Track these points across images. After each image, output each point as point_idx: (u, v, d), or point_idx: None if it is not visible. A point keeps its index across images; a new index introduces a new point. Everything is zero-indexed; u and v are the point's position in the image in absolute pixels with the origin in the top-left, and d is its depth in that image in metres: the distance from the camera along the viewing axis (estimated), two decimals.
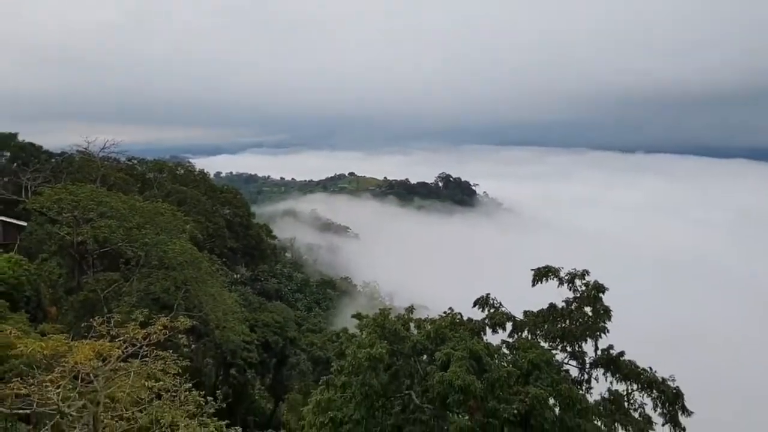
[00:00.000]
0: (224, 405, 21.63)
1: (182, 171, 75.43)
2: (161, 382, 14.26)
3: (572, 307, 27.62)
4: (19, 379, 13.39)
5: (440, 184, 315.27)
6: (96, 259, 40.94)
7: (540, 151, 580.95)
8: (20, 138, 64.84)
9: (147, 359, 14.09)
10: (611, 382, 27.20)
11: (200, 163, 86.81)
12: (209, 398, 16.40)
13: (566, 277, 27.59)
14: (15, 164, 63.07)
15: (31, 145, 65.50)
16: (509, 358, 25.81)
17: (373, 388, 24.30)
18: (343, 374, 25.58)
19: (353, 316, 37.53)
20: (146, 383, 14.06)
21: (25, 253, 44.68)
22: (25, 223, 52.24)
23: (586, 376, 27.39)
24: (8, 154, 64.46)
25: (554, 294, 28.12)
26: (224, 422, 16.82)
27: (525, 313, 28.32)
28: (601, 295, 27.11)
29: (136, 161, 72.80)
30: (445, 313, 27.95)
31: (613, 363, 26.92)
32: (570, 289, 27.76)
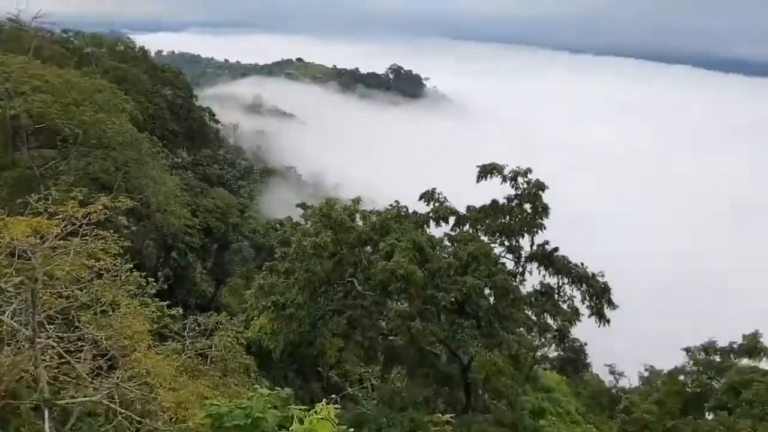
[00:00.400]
0: (165, 287, 21.67)
1: (122, 47, 71.60)
2: (102, 262, 14.06)
3: (513, 203, 28.35)
4: None
5: (391, 76, 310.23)
6: (30, 135, 39.20)
7: (498, 48, 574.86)
8: None
9: (87, 238, 13.82)
10: (544, 276, 28.50)
11: (141, 40, 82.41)
12: (150, 279, 16.33)
13: (509, 175, 28.14)
14: None
15: None
16: (450, 250, 26.62)
17: (316, 274, 24.82)
18: (287, 261, 25.96)
19: (298, 206, 37.75)
20: (86, 262, 13.84)
21: None
22: None
23: (521, 269, 28.59)
24: None
25: (495, 189, 28.75)
26: (165, 303, 16.89)
27: (468, 208, 28.95)
28: (540, 192, 27.83)
29: (72, 34, 68.68)
30: (390, 205, 28.29)
31: (547, 258, 28.09)
32: (512, 187, 28.38)
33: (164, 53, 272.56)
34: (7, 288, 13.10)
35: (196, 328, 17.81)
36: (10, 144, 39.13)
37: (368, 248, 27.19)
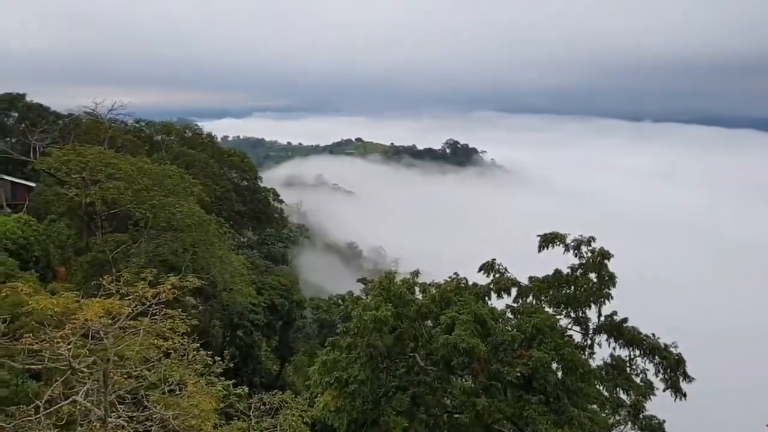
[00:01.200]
0: (231, 365, 21.98)
1: (190, 134, 75.11)
2: (170, 342, 14.44)
3: (577, 273, 27.74)
4: (30, 335, 13.61)
5: (447, 150, 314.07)
6: (104, 220, 41.17)
7: (549, 119, 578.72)
8: (28, 98, 64.74)
9: (156, 318, 14.28)
10: (614, 348, 27.45)
11: (206, 127, 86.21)
12: (217, 358, 16.59)
13: (572, 244, 27.67)
14: (23, 125, 63.04)
15: (39, 105, 65.44)
16: (513, 322, 26.06)
17: (378, 349, 24.62)
18: (348, 336, 25.91)
19: (359, 281, 37.97)
20: (155, 342, 14.24)
21: (34, 213, 45.01)
22: (33, 184, 52.53)
23: (589, 342, 27.64)
24: (16, 114, 64.46)
25: (556, 258, 28.26)
26: (231, 382, 17.08)
27: (530, 278, 28.46)
28: (606, 261, 27.20)
29: (143, 123, 72.57)
30: (450, 277, 28.09)
31: (617, 329, 27.12)
32: (576, 256, 27.86)
33: (230, 138, 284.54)
34: (81, 368, 13.58)
35: (262, 407, 17.88)
36: (85, 229, 41.18)
37: (429, 322, 26.94)
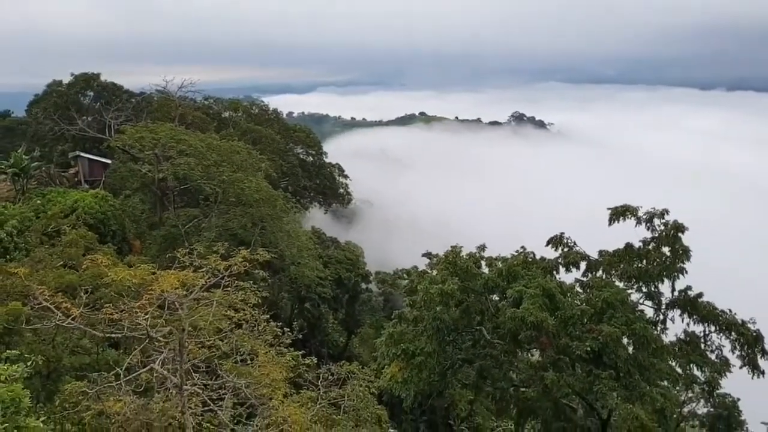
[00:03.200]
0: (299, 337, 22.40)
1: (256, 110, 76.16)
2: (241, 313, 14.77)
3: (650, 246, 26.98)
4: (110, 305, 14.16)
5: (513, 123, 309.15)
6: (176, 195, 42.41)
7: (615, 89, 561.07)
8: (102, 78, 66.80)
9: (228, 290, 14.62)
10: (688, 324, 26.65)
11: (271, 103, 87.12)
12: (286, 329, 16.88)
13: (645, 217, 26.89)
14: (98, 103, 65.23)
15: (113, 84, 67.36)
16: (583, 296, 25.61)
17: (444, 322, 24.67)
18: (415, 309, 26.03)
19: (424, 255, 37.88)
20: (227, 313, 14.59)
21: (110, 189, 46.67)
22: (109, 161, 54.45)
23: (661, 317, 26.93)
24: (92, 93, 66.61)
25: (627, 231, 27.51)
26: (300, 352, 17.39)
27: (600, 252, 27.86)
28: (680, 234, 26.35)
29: (212, 101, 73.95)
30: (516, 251, 27.76)
31: (691, 304, 26.32)
32: (648, 229, 27.08)
33: (295, 114, 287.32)
34: (158, 338, 14.07)
35: (330, 377, 18.16)
36: (158, 204, 42.53)
37: (495, 296, 26.77)
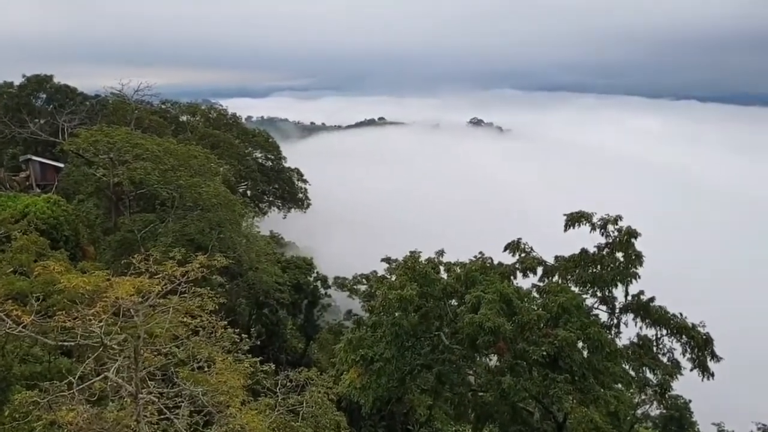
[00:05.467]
0: (258, 343, 22.18)
1: (215, 114, 75.52)
2: (198, 319, 14.61)
3: (604, 252, 27.55)
4: (63, 312, 13.85)
5: (470, 127, 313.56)
6: (132, 200, 41.67)
7: (567, 96, 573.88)
8: (56, 80, 65.35)
9: (185, 296, 14.45)
10: (641, 327, 27.29)
11: (229, 106, 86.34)
12: (244, 336, 16.75)
13: (599, 223, 27.45)
14: (51, 106, 63.79)
15: (66, 87, 65.96)
16: (539, 301, 25.98)
17: (403, 328, 24.74)
18: (373, 314, 26.05)
19: (382, 260, 37.96)
20: (184, 320, 14.42)
21: (63, 193, 45.65)
22: (62, 165, 53.25)
23: (615, 321, 27.52)
24: (44, 96, 65.13)
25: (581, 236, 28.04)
26: (258, 359, 17.26)
27: (556, 258, 28.35)
28: (633, 240, 26.96)
29: (169, 104, 73.04)
30: (475, 257, 28.06)
31: (643, 308, 26.95)
32: (602, 235, 27.64)
33: (253, 118, 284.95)
34: (112, 345, 13.82)
35: (288, 384, 18.07)
36: (113, 209, 41.71)
37: (454, 301, 26.97)
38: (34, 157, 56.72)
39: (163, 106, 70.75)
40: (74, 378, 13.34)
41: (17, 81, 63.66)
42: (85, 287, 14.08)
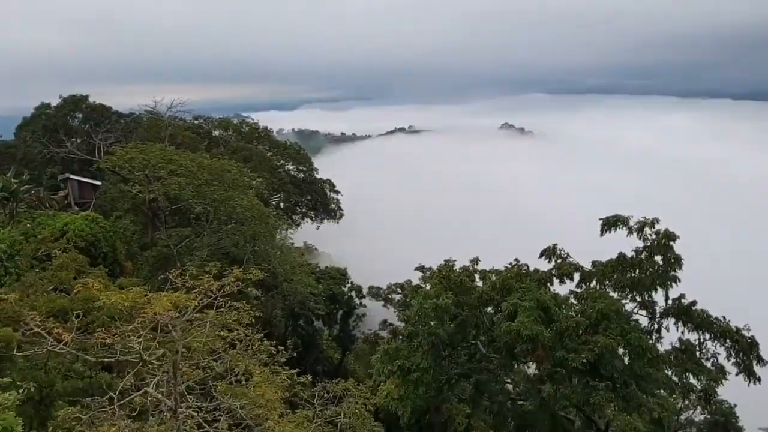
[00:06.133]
0: (294, 354, 22.19)
1: (246, 128, 76.28)
2: (235, 333, 14.68)
3: (642, 256, 27.03)
4: (102, 329, 14.04)
5: (502, 132, 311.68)
6: (167, 215, 42.28)
7: (598, 98, 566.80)
8: (91, 100, 66.77)
9: (221, 310, 14.54)
10: (683, 332, 26.66)
11: (260, 119, 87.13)
12: (280, 348, 16.76)
13: (636, 226, 26.95)
14: (87, 125, 65.17)
15: (102, 106, 67.37)
16: (577, 308, 25.57)
17: (439, 337, 24.55)
18: (409, 324, 25.92)
19: (417, 269, 37.87)
20: (221, 333, 14.50)
21: (100, 211, 46.50)
22: (99, 183, 54.27)
23: (656, 326, 26.95)
24: (80, 115, 66.57)
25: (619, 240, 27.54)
26: (295, 371, 17.25)
27: (593, 263, 27.90)
28: (671, 243, 26.42)
29: (202, 120, 74.03)
30: (510, 264, 27.75)
31: (685, 312, 26.35)
32: (639, 238, 27.15)
33: (284, 131, 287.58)
34: (151, 360, 13.96)
35: (325, 395, 18.02)
36: (149, 225, 42.37)
37: (490, 309, 26.71)
38: (72, 176, 57.93)
39: (196, 122, 71.71)
40: (115, 393, 13.49)
41: (54, 102, 65.22)
42: (123, 303, 14.25)
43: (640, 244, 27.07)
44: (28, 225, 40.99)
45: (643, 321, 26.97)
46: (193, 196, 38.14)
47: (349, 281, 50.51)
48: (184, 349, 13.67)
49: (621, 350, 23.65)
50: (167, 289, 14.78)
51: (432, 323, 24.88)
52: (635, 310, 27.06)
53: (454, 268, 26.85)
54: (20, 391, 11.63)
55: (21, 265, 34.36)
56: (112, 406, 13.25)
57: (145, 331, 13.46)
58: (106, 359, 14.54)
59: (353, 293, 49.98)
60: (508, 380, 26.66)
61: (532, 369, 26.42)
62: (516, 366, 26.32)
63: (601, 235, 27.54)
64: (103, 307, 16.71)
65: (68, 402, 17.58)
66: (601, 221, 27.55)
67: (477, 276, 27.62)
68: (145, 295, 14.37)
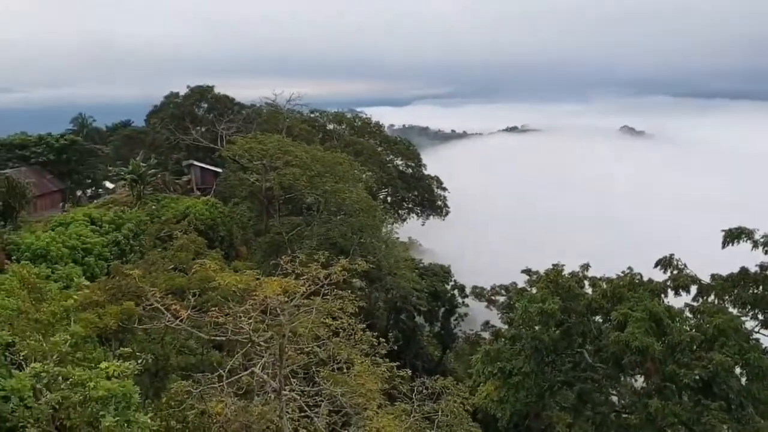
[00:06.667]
0: (394, 348, 22.42)
1: (359, 123, 77.49)
2: (339, 321, 14.97)
3: (767, 272, 25.34)
4: (216, 309, 14.73)
5: (622, 134, 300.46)
6: (281, 204, 43.79)
7: (727, 102, 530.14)
8: (216, 91, 70.00)
9: (327, 298, 14.88)
10: None
11: (372, 114, 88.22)
12: (381, 340, 16.93)
13: (762, 240, 25.32)
14: (211, 115, 68.41)
15: (226, 97, 70.47)
16: (692, 322, 24.34)
17: (543, 343, 24.06)
18: (512, 327, 25.55)
19: (523, 271, 37.13)
20: (326, 321, 14.83)
21: (219, 197, 48.85)
22: (220, 170, 56.95)
23: None
24: (205, 105, 69.94)
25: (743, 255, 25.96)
26: (395, 364, 17.39)
27: (712, 276, 26.42)
28: None
29: (317, 113, 75.88)
30: (623, 272, 26.72)
31: None
32: (765, 253, 25.49)
33: (395, 126, 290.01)
34: (259, 342, 14.50)
35: (424, 391, 18.05)
36: (264, 212, 44.05)
37: (598, 318, 25.86)
38: (196, 163, 61.15)
39: (312, 115, 73.58)
40: (224, 371, 14.13)
41: (182, 91, 68.91)
42: (236, 286, 14.87)
43: (765, 259, 25.43)
44: (153, 207, 43.78)
45: (765, 341, 25.26)
46: (306, 186, 39.32)
47: (452, 279, 50.31)
48: (290, 334, 14.09)
49: (738, 370, 22.30)
50: (278, 274, 15.27)
51: (537, 328, 24.42)
52: (756, 329, 25.41)
53: (563, 273, 26.19)
54: (139, 361, 12.36)
55: (145, 243, 36.76)
56: (221, 383, 13.87)
57: (255, 314, 13.99)
58: (217, 338, 15.22)
59: (456, 292, 49.72)
60: (614, 392, 25.69)
61: (639, 382, 25.40)
62: (623, 378, 25.37)
63: (723, 247, 26.05)
64: (218, 287, 17.50)
65: (181, 376, 18.61)
66: (723, 233, 26.04)
67: (586, 282, 26.83)
68: (257, 279, 14.94)
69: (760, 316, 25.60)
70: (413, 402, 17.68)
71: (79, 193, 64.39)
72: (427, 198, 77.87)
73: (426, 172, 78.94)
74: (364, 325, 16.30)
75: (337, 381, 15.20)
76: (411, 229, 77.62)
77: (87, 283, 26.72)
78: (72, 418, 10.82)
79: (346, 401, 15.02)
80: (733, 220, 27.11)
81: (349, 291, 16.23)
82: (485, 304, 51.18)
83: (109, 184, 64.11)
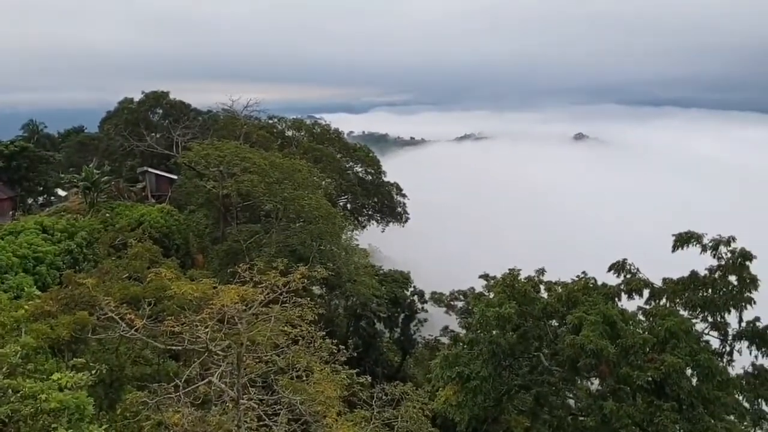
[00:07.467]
0: (354, 354, 22.42)
1: (318, 130, 77.30)
2: (298, 329, 14.93)
3: (716, 275, 26.11)
4: (172, 318, 14.55)
5: (574, 141, 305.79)
6: (239, 211, 43.38)
7: (674, 110, 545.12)
8: (171, 96, 69.09)
9: (286, 306, 14.83)
10: (756, 356, 25.63)
11: (331, 121, 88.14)
12: (341, 347, 16.92)
13: (710, 244, 26.06)
14: (167, 121, 67.53)
15: (181, 102, 69.64)
16: (645, 325, 24.91)
17: (500, 346, 24.31)
18: (470, 331, 25.78)
19: (480, 277, 37.50)
20: (284, 329, 14.78)
21: (175, 204, 48.18)
22: (175, 177, 56.18)
23: (728, 348, 26.00)
24: (160, 111, 69.01)
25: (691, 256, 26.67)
26: (354, 371, 17.40)
27: (664, 280, 27.12)
28: (747, 263, 25.46)
29: (276, 120, 75.47)
30: (577, 276, 27.21)
31: (759, 336, 25.38)
32: (713, 256, 26.25)
33: (355, 133, 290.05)
34: (217, 351, 14.37)
35: (384, 397, 18.07)
36: (221, 220, 43.56)
37: (554, 321, 26.26)
38: (150, 169, 60.21)
39: (270, 122, 73.18)
40: (181, 381, 13.95)
41: (136, 97, 67.86)
42: (193, 294, 14.75)
43: (714, 262, 26.21)
44: (107, 214, 42.92)
45: (715, 342, 26.02)
46: (264, 193, 39.03)
47: (412, 285, 50.52)
48: (248, 342, 14.01)
49: (689, 371, 22.89)
50: (235, 282, 15.17)
51: (494, 332, 24.67)
52: (706, 331, 26.15)
53: (519, 278, 26.55)
54: (93, 372, 12.15)
55: (99, 252, 36.02)
56: (178, 394, 13.69)
57: (212, 322, 13.87)
58: (173, 347, 15.03)
59: (415, 297, 49.93)
60: (570, 395, 26.11)
61: (594, 385, 25.85)
62: (578, 380, 25.81)
63: (673, 251, 26.80)
64: (174, 296, 17.33)
65: (136, 387, 18.30)
66: (673, 237, 26.76)
67: (542, 287, 27.22)
68: (214, 287, 14.83)
69: (710, 319, 26.33)
70: (373, 408, 17.68)
71: (30, 200, 62.69)
72: (386, 205, 78.02)
73: (386, 179, 79.17)
74: (324, 333, 16.29)
75: (296, 389, 15.15)
76: (371, 235, 77.70)
77: (38, 293, 26.10)
78: None
79: (306, 409, 14.96)
80: (683, 222, 27.89)
81: (309, 298, 16.18)
82: (444, 309, 51.60)
83: (61, 192, 62.51)
